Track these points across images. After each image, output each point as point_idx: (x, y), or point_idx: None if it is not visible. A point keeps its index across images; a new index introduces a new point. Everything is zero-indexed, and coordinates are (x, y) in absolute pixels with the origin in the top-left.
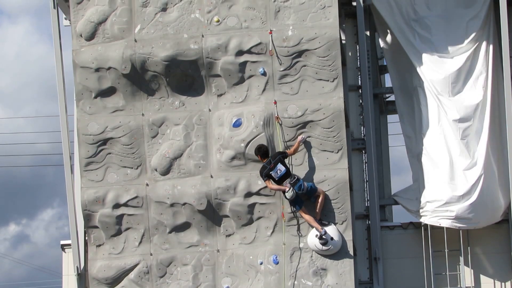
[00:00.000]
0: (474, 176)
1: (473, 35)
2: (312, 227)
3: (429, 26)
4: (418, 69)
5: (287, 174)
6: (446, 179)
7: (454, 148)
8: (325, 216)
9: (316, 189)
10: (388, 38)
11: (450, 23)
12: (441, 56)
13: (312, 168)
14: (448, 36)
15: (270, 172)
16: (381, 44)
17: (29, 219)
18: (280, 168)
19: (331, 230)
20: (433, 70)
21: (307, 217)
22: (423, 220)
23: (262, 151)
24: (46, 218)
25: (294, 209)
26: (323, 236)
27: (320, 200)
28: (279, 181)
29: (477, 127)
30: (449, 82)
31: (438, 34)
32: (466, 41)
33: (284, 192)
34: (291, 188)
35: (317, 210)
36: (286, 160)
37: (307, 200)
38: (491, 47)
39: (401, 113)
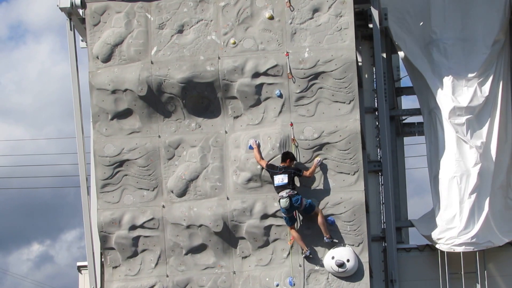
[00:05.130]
0: (485, 204)
1: (492, 58)
2: (328, 250)
3: (446, 49)
4: (433, 93)
5: (286, 187)
6: (459, 206)
7: (468, 174)
8: (341, 238)
9: (314, 207)
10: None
11: (467, 45)
12: (457, 82)
13: (328, 190)
14: (466, 60)
15: (274, 176)
16: (403, 63)
17: (52, 240)
18: (284, 178)
19: (346, 251)
20: (447, 95)
21: (295, 234)
22: (439, 247)
23: (285, 157)
24: (69, 239)
25: (285, 223)
26: (310, 256)
27: (320, 220)
28: (277, 188)
29: (492, 153)
30: (463, 109)
31: (455, 57)
32: (484, 65)
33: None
34: (288, 198)
35: (323, 230)
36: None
37: (306, 215)
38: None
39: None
